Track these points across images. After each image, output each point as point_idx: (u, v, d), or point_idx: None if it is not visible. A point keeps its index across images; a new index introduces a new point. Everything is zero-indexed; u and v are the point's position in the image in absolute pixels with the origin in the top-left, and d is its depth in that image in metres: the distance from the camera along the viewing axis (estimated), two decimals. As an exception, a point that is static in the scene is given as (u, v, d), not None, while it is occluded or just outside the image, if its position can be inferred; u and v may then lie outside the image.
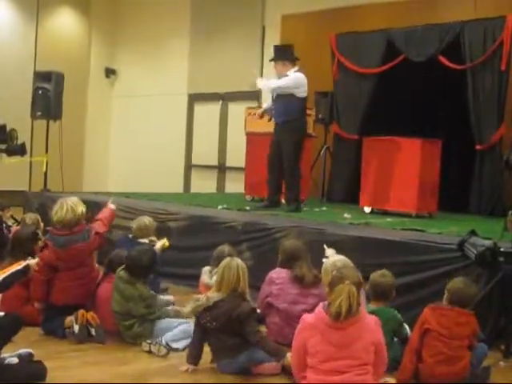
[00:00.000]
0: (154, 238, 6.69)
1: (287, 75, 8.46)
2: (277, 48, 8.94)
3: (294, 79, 8.43)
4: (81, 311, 5.32)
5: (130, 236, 6.81)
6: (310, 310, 4.74)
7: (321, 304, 4.17)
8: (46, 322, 5.45)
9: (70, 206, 5.47)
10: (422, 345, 4.62)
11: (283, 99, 8.47)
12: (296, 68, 8.53)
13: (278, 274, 5.65)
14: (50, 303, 5.50)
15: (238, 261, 4.92)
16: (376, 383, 4.13)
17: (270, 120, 8.81)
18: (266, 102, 9.10)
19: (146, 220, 6.91)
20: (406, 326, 5.02)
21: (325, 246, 5.70)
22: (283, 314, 5.49)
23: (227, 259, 4.95)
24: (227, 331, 4.71)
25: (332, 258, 5.46)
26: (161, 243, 6.16)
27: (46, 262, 5.42)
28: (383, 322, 4.79)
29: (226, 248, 5.97)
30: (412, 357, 4.63)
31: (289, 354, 4.59)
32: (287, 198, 8.65)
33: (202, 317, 4.77)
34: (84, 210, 5.59)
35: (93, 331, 5.31)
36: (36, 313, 5.53)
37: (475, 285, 4.86)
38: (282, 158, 8.55)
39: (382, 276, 5.08)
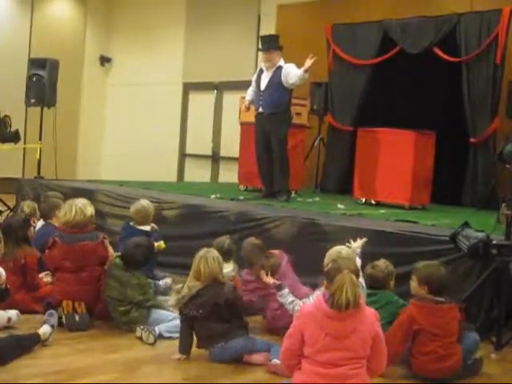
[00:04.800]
0: (154, 225, 6.65)
1: (280, 66, 8.42)
2: (268, 37, 8.86)
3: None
4: (65, 302, 5.26)
5: (131, 223, 6.66)
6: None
7: (320, 293, 4.10)
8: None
9: (78, 207, 5.45)
10: (413, 344, 4.61)
11: (275, 90, 8.43)
12: (282, 59, 8.52)
13: (247, 275, 5.59)
14: (49, 303, 5.39)
15: (213, 253, 4.92)
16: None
17: (256, 109, 8.71)
18: (248, 92, 8.93)
19: (144, 203, 6.68)
20: None
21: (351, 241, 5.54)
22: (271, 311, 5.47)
23: (202, 251, 4.94)
24: (215, 318, 4.70)
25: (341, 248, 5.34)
26: (157, 244, 6.11)
27: (51, 261, 5.42)
28: (382, 305, 4.81)
29: (226, 240, 5.90)
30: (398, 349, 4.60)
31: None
32: (278, 189, 8.65)
33: (186, 307, 4.76)
34: (93, 212, 5.56)
35: (77, 317, 5.25)
36: (29, 300, 5.51)
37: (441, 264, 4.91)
38: (269, 149, 8.55)
39: (373, 267, 5.12)
